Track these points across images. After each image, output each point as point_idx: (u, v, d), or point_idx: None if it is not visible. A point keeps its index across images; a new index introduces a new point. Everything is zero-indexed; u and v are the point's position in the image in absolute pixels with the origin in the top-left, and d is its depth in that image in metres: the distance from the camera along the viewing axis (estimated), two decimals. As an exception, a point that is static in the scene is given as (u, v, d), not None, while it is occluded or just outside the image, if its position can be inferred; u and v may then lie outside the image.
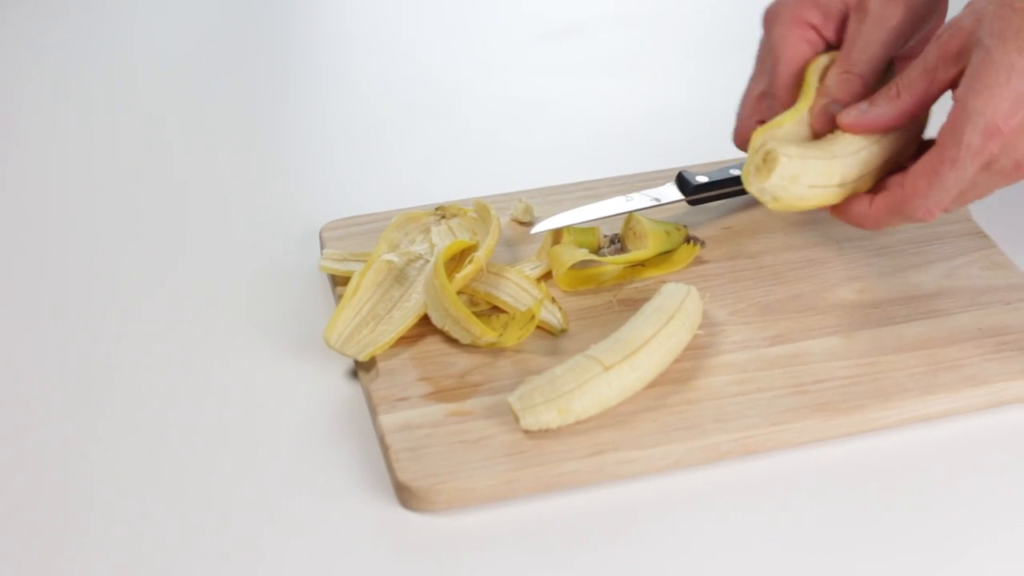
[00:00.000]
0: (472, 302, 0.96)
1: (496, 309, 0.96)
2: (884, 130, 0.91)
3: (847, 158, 0.90)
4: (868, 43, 0.93)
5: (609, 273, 0.99)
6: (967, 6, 0.88)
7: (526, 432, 0.86)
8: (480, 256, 0.95)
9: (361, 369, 0.93)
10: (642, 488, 0.85)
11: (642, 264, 0.99)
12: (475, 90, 1.25)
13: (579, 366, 0.87)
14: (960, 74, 0.87)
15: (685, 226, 1.01)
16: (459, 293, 0.95)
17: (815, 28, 0.95)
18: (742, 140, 0.98)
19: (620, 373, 0.87)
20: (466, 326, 0.91)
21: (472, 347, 0.93)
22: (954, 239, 1.01)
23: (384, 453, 0.87)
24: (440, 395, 0.90)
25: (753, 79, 0.99)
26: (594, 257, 0.98)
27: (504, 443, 0.86)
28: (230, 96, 1.26)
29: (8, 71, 1.30)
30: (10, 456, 0.88)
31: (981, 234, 1.02)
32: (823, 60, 0.95)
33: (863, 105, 0.90)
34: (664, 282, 0.96)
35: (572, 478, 0.85)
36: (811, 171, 0.89)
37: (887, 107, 0.90)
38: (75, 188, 1.14)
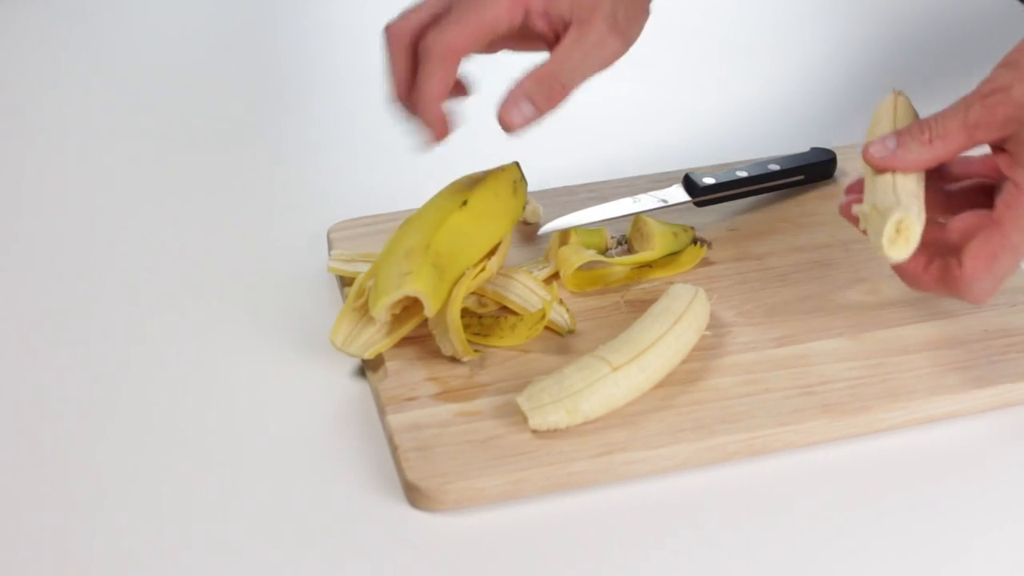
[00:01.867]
0: (480, 303, 0.96)
1: (505, 309, 0.96)
2: (906, 171, 0.89)
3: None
4: (579, 65, 0.92)
5: (616, 274, 0.99)
6: (1013, 67, 0.86)
7: (534, 432, 0.87)
8: (492, 264, 0.95)
9: (369, 369, 0.93)
10: (649, 488, 0.86)
11: (649, 265, 0.99)
12: (483, 92, 1.25)
13: (587, 366, 0.87)
14: (1003, 139, 0.87)
15: (692, 227, 1.02)
16: (470, 293, 0.95)
17: (528, 10, 0.92)
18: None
19: (628, 373, 0.87)
20: (455, 342, 0.91)
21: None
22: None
23: (393, 453, 0.87)
24: (448, 395, 0.90)
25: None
26: (601, 258, 0.99)
27: (512, 443, 0.86)
28: (237, 97, 1.26)
29: (14, 73, 1.30)
30: (20, 456, 0.88)
31: (987, 236, 1.02)
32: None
33: (890, 142, 0.88)
34: (671, 283, 0.97)
35: (580, 478, 0.85)
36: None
37: (918, 152, 0.88)
38: (82, 190, 1.14)
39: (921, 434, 0.89)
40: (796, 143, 1.12)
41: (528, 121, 0.92)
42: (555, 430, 0.86)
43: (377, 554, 0.82)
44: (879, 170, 0.88)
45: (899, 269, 0.89)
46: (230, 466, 0.88)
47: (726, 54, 1.30)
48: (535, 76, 0.92)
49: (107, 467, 0.88)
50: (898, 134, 0.88)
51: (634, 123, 1.20)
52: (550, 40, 0.93)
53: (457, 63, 0.92)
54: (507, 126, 0.92)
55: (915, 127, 0.88)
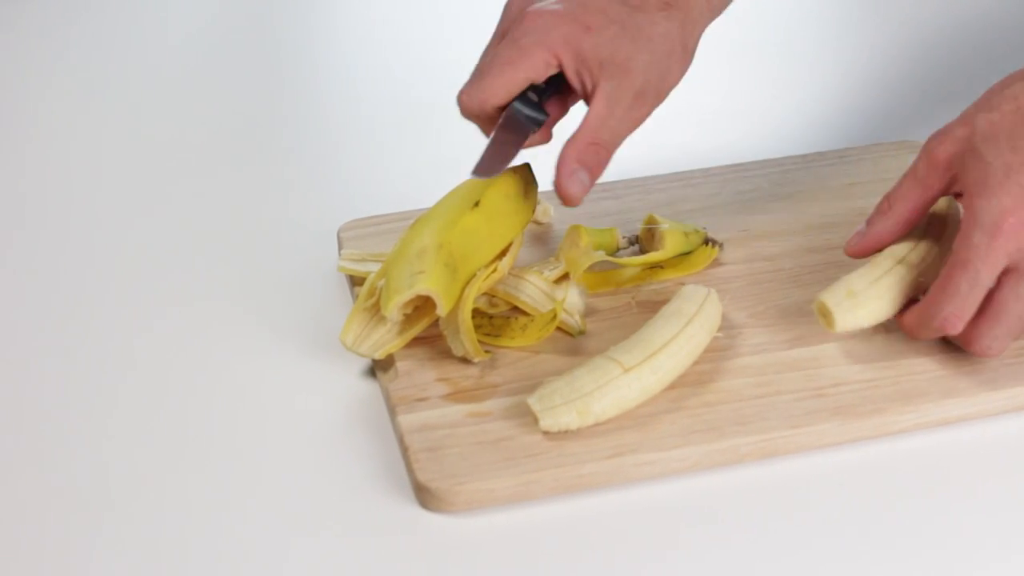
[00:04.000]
0: (491, 303, 0.96)
1: (516, 310, 0.96)
2: (889, 244, 0.93)
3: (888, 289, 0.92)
4: (619, 124, 0.94)
5: (627, 274, 0.99)
6: (958, 118, 0.90)
7: (545, 433, 0.86)
8: (503, 265, 0.95)
9: (379, 369, 0.93)
10: (660, 490, 0.85)
11: (660, 266, 0.99)
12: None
13: (599, 368, 0.87)
14: (953, 180, 0.90)
15: (704, 228, 1.01)
16: (481, 294, 0.95)
17: (562, 63, 0.93)
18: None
19: (640, 375, 0.87)
20: (466, 342, 0.91)
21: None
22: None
23: (403, 454, 0.87)
24: (459, 396, 0.89)
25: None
26: (611, 259, 0.98)
27: (523, 444, 0.86)
28: (248, 97, 1.26)
29: (22, 75, 1.30)
30: (28, 453, 0.88)
31: (1000, 238, 1.02)
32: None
33: (861, 228, 0.94)
34: (683, 284, 0.96)
35: (591, 480, 0.85)
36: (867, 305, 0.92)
37: (883, 223, 0.93)
38: (94, 190, 1.14)
39: (933, 437, 0.89)
40: (807, 143, 1.11)
41: (586, 189, 0.94)
42: (566, 431, 0.86)
43: (387, 555, 0.82)
44: (862, 256, 0.94)
45: (899, 320, 0.93)
46: (238, 466, 0.88)
47: (730, 53, 1.29)
48: (578, 144, 0.93)
49: (114, 465, 0.87)
50: (868, 220, 0.94)
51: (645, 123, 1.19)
52: (587, 96, 0.94)
53: (493, 115, 0.95)
54: (568, 199, 0.94)
55: (877, 205, 0.93)
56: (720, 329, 0.93)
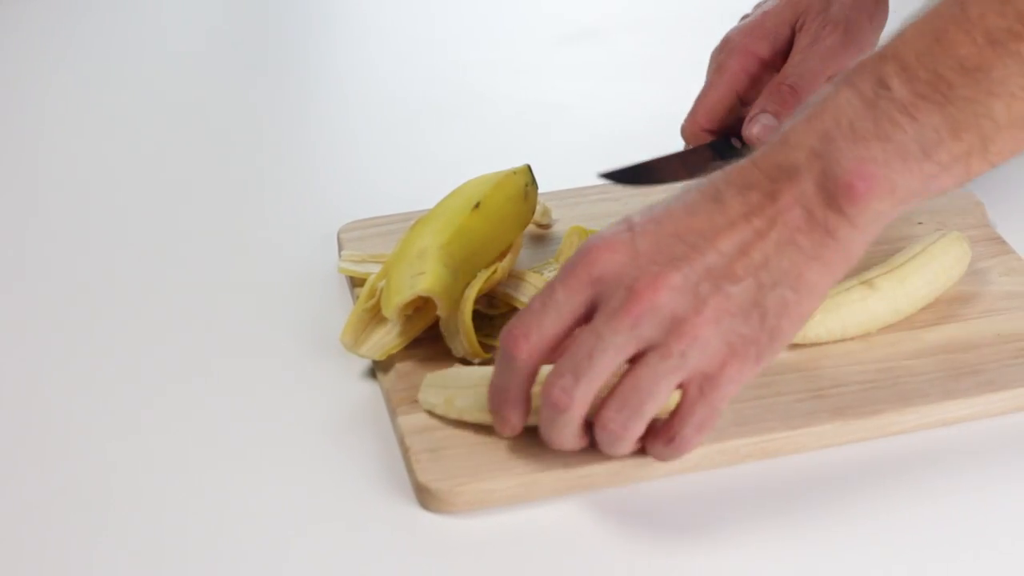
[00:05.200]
0: (491, 304, 0.96)
1: (516, 311, 0.96)
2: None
3: None
4: (804, 58, 0.99)
5: (627, 276, 0.99)
6: None
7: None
8: (503, 266, 0.95)
9: (380, 370, 0.93)
10: (662, 490, 0.85)
11: (661, 267, 0.99)
12: (493, 92, 1.25)
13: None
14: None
15: (704, 230, 1.01)
16: (481, 295, 0.95)
17: (762, 60, 1.00)
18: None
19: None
20: (466, 343, 0.91)
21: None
22: (972, 245, 1.00)
23: (404, 454, 0.87)
24: (460, 396, 0.90)
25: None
26: (612, 260, 0.98)
27: (524, 445, 0.86)
28: (249, 97, 1.26)
29: (22, 75, 1.30)
30: (29, 452, 0.89)
31: (999, 240, 1.02)
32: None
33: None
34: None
35: (592, 481, 0.85)
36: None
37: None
38: (93, 191, 1.14)
39: (933, 438, 0.89)
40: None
41: (768, 129, 0.97)
42: (567, 432, 0.86)
43: (388, 556, 0.82)
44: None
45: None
46: (238, 466, 0.88)
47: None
48: (766, 89, 0.99)
49: (114, 466, 0.87)
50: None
51: (644, 124, 1.19)
52: None
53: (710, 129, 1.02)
54: (750, 140, 0.98)
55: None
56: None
